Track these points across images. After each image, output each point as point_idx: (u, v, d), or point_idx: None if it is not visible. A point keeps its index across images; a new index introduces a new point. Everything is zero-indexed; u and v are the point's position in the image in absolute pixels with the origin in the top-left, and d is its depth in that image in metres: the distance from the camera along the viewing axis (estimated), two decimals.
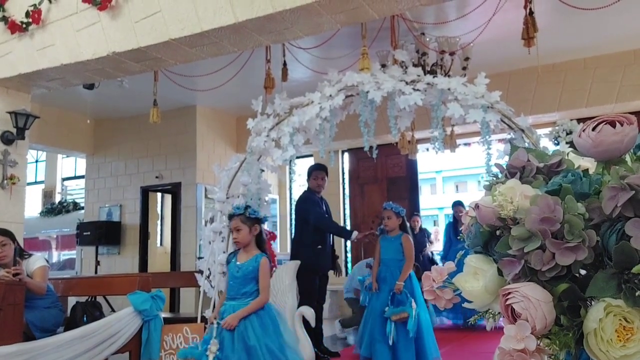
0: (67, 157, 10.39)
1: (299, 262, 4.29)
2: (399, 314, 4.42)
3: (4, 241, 3.79)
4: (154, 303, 3.94)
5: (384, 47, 5.07)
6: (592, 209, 0.90)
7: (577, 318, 0.89)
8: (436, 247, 9.28)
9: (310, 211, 5.14)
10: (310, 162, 8.33)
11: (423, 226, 7.76)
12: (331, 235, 5.35)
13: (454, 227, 7.20)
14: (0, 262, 3.70)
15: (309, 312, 4.05)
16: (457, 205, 7.28)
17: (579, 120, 4.76)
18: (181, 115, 8.02)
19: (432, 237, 8.02)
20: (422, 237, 7.40)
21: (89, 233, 8.29)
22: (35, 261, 3.86)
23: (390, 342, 4.40)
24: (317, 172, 5.31)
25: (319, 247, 5.13)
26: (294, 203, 9.27)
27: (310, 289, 5.00)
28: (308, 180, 5.35)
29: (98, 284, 4.71)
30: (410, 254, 4.70)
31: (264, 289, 3.39)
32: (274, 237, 4.58)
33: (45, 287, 3.84)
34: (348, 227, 7.80)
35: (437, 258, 7.86)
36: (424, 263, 6.94)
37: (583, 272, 0.91)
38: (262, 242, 3.54)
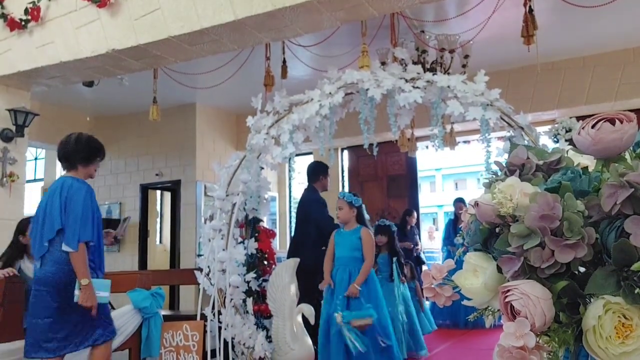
0: None
1: (298, 259, 4.29)
2: (361, 319, 3.79)
3: None
4: (153, 300, 3.95)
5: (383, 44, 5.06)
6: (591, 206, 0.90)
7: (576, 315, 0.89)
8: (431, 245, 9.26)
9: (324, 216, 5.06)
10: (310, 159, 8.33)
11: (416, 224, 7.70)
12: None
13: (454, 224, 7.19)
14: None
15: (308, 309, 4.05)
16: (459, 202, 7.27)
17: (579, 118, 4.76)
18: (181, 113, 8.01)
19: (426, 236, 7.96)
20: (412, 235, 7.38)
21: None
22: None
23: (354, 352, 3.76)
24: (327, 171, 5.26)
25: (323, 248, 5.12)
26: (293, 201, 9.27)
27: (312, 288, 4.99)
28: (316, 180, 5.23)
29: None
30: (370, 251, 4.11)
31: None
32: (273, 235, 4.57)
33: None
34: None
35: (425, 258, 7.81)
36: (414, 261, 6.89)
37: (582, 269, 0.91)
38: None
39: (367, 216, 4.45)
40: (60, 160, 3.26)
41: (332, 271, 4.17)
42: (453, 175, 27.61)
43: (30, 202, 9.56)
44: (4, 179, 4.94)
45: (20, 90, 5.18)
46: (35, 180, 10.94)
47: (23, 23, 4.61)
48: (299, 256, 4.72)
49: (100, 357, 3.11)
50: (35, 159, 11.20)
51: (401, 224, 7.22)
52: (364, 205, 4.35)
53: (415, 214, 7.51)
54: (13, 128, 5.03)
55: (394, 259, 5.03)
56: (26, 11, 4.57)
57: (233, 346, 4.03)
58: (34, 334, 2.95)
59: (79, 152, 3.20)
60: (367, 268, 4.05)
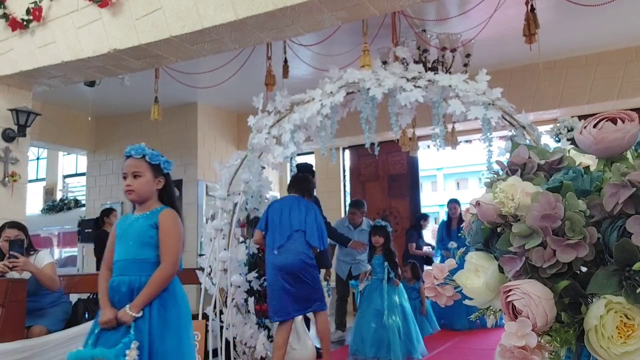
0: (68, 154, 10.38)
1: None
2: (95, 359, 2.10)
3: (19, 235, 3.58)
4: None
5: (385, 44, 5.06)
6: (593, 206, 0.90)
7: (578, 315, 0.89)
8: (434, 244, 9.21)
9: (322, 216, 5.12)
10: (311, 159, 8.33)
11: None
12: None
13: (447, 226, 6.98)
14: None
15: None
16: (452, 202, 6.94)
17: (580, 117, 4.76)
18: (182, 113, 8.02)
19: (430, 235, 7.83)
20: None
21: (90, 230, 8.30)
22: (44, 257, 3.70)
23: None
24: (314, 172, 5.28)
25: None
26: None
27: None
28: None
29: None
30: (172, 247, 2.28)
31: None
32: None
33: (58, 281, 3.69)
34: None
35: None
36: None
37: (584, 269, 0.91)
38: None
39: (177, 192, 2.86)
40: (303, 190, 4.32)
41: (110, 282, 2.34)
42: (455, 174, 27.57)
43: (32, 202, 9.59)
44: (6, 178, 4.94)
45: (22, 90, 5.18)
46: (37, 180, 10.96)
47: (25, 23, 4.61)
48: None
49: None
50: (37, 158, 11.22)
51: (417, 227, 7.20)
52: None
53: (429, 218, 7.45)
54: (15, 128, 5.03)
55: (386, 262, 4.92)
56: (28, 11, 4.58)
57: (235, 346, 4.03)
58: None
59: (313, 186, 4.66)
60: (161, 278, 2.22)
